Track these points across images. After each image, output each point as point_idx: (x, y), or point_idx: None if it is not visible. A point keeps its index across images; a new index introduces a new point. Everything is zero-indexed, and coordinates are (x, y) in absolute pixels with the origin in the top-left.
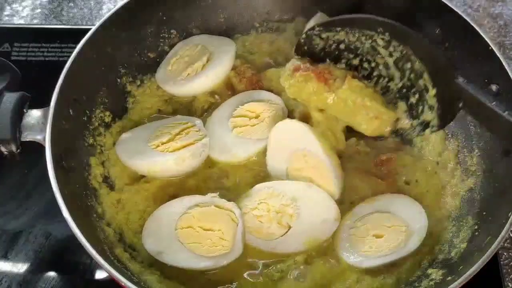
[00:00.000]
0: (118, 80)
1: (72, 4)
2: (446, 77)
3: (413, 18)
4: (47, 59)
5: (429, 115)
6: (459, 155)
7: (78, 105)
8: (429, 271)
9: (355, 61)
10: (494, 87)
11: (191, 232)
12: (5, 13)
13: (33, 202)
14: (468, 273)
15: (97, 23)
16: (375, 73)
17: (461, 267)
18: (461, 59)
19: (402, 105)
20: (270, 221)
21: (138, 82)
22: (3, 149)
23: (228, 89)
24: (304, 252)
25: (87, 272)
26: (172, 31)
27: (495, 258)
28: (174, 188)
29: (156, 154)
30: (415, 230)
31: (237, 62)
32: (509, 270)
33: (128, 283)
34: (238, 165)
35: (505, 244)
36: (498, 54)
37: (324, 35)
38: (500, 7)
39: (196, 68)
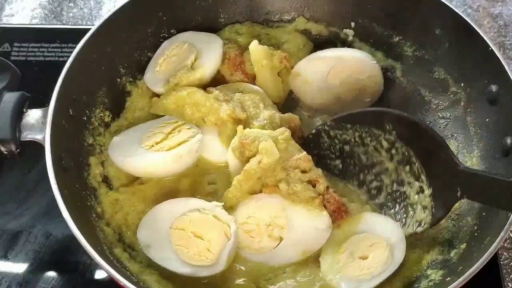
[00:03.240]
0: (118, 80)
1: (72, 4)
2: (446, 172)
3: (413, 19)
4: (47, 59)
5: (422, 215)
6: (459, 156)
7: (78, 105)
8: (429, 271)
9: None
10: (494, 88)
11: (182, 235)
12: (5, 13)
13: (33, 202)
14: (467, 273)
15: (98, 23)
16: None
17: (460, 268)
18: (461, 60)
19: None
20: (260, 235)
21: (138, 82)
22: (2, 148)
23: (216, 83)
24: (296, 263)
25: (87, 272)
26: (172, 31)
27: (495, 258)
28: (169, 189)
29: (152, 155)
30: (394, 242)
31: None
32: (509, 270)
33: (127, 283)
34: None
35: (505, 244)
36: (498, 55)
37: (332, 133)
38: (500, 7)
39: (184, 67)
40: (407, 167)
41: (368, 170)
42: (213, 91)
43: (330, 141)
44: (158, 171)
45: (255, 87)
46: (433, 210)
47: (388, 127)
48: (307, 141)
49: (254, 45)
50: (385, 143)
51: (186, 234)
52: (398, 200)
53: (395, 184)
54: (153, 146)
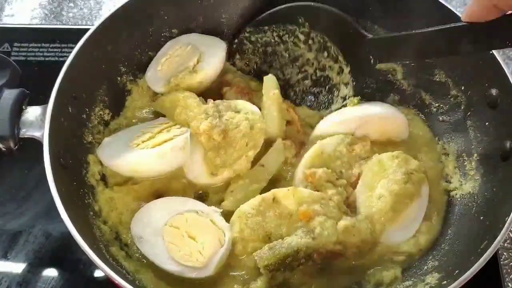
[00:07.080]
0: (119, 78)
1: (72, 4)
2: (358, 45)
3: (414, 22)
4: (47, 59)
5: (345, 91)
6: (458, 160)
7: (77, 103)
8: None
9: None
10: (494, 92)
11: (176, 233)
12: (5, 13)
13: (33, 202)
14: (463, 277)
15: (99, 21)
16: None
17: (457, 271)
18: (462, 63)
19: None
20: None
21: (138, 81)
22: (1, 145)
23: (218, 88)
24: None
25: (87, 272)
26: (173, 30)
27: (495, 258)
28: (162, 190)
29: (137, 152)
30: None
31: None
32: (509, 270)
33: (121, 281)
34: None
35: (505, 244)
36: (498, 59)
37: (253, 38)
38: None
39: (186, 69)
40: (325, 53)
41: (292, 65)
42: (209, 103)
43: (253, 46)
44: (143, 169)
45: (255, 107)
46: (354, 83)
47: (300, 20)
48: (233, 51)
49: (270, 76)
50: (301, 36)
51: (180, 233)
52: (323, 85)
53: (317, 71)
54: (139, 144)
